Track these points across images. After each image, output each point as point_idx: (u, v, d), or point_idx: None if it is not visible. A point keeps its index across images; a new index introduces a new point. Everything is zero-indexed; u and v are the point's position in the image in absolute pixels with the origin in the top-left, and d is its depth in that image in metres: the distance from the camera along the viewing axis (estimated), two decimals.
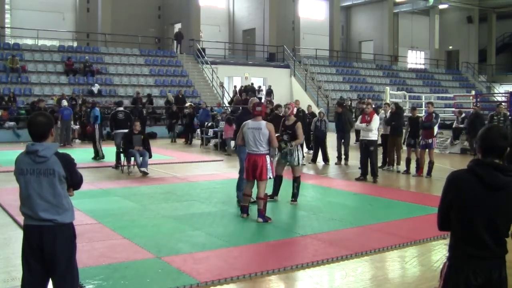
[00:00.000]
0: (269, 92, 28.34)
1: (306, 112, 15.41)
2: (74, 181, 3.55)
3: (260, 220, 7.25)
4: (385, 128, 12.77)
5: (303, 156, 14.04)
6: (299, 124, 8.44)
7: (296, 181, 8.60)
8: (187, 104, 22.06)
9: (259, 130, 7.21)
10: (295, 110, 8.94)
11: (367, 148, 11.03)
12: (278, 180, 8.69)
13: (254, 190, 7.55)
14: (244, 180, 7.76)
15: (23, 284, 3.53)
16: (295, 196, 8.64)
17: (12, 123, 20.22)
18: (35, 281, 3.49)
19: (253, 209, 8.11)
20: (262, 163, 7.22)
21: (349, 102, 22.61)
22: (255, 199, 8.20)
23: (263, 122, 7.30)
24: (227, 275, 5.05)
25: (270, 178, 7.37)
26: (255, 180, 7.39)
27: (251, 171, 7.31)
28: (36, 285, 3.51)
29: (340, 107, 14.41)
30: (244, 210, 7.59)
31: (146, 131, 14.50)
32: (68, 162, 3.49)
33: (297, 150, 8.46)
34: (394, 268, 5.78)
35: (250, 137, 7.28)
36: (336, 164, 13.85)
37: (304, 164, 13.70)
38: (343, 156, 13.92)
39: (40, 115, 3.57)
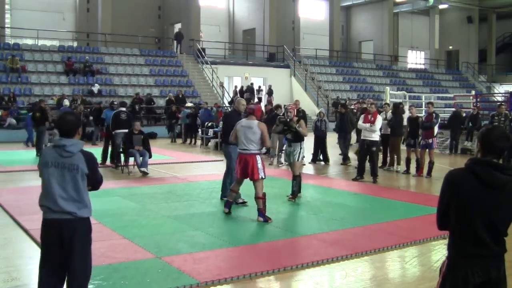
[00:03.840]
0: (270, 92, 28.43)
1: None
2: (94, 179, 3.71)
3: (261, 219, 7.27)
4: (385, 128, 12.74)
5: (303, 156, 14.03)
6: (301, 122, 8.77)
7: (296, 179, 8.77)
8: (188, 104, 22.06)
9: (251, 129, 7.29)
10: (295, 111, 9.20)
11: (369, 149, 10.96)
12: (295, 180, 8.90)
13: (252, 191, 7.55)
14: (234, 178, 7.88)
15: (40, 276, 3.65)
16: (293, 193, 8.77)
17: (13, 121, 20.29)
18: (53, 273, 3.61)
19: (253, 209, 8.12)
20: (252, 163, 7.26)
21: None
22: (244, 200, 8.32)
23: (255, 122, 7.36)
24: (227, 275, 5.05)
25: (262, 178, 7.37)
26: (244, 179, 7.49)
27: (241, 170, 7.38)
28: (53, 277, 3.63)
29: (343, 108, 14.44)
30: (226, 204, 7.68)
31: (146, 131, 14.42)
32: (91, 161, 3.66)
33: (300, 147, 8.71)
34: (394, 268, 5.78)
35: (241, 136, 7.37)
36: (341, 164, 13.85)
37: (304, 164, 13.74)
38: (339, 156, 13.97)
39: (69, 114, 3.82)
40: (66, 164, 3.56)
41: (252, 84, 28.33)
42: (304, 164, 13.66)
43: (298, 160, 8.77)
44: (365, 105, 15.07)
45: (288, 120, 8.85)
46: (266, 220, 7.27)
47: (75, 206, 3.57)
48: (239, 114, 8.45)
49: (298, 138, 8.72)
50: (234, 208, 8.04)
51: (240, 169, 7.41)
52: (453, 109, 19.70)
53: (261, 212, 7.31)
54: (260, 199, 7.33)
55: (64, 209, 3.55)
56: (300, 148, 8.74)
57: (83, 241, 3.63)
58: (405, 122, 12.73)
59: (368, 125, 10.89)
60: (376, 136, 10.98)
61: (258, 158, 7.34)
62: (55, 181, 3.57)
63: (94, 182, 3.75)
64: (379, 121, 10.98)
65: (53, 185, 3.57)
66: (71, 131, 3.64)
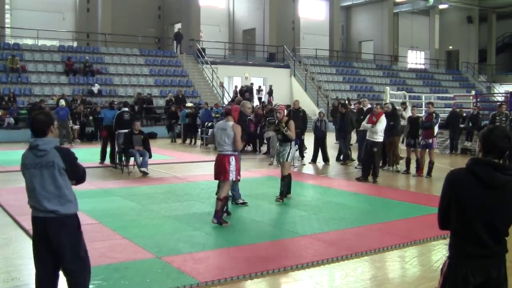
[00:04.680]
0: (270, 92, 28.43)
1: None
2: (75, 174, 3.75)
3: (215, 221, 7.05)
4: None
5: (303, 157, 13.96)
6: (290, 123, 8.59)
7: (284, 179, 8.60)
8: (188, 104, 22.05)
9: (225, 130, 7.11)
10: (285, 111, 9.07)
11: (371, 149, 10.98)
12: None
13: (249, 190, 7.54)
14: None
15: (37, 272, 3.74)
16: (281, 194, 8.61)
17: (12, 121, 20.28)
18: (46, 269, 3.70)
19: (253, 208, 8.11)
20: (225, 164, 7.08)
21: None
22: (244, 201, 8.30)
23: (230, 123, 7.14)
24: (227, 275, 5.04)
25: (234, 180, 7.20)
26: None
27: (216, 171, 7.23)
28: (47, 274, 3.71)
29: (343, 108, 14.45)
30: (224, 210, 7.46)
31: (146, 132, 14.39)
32: (66, 155, 3.68)
33: (290, 147, 8.61)
34: (394, 268, 5.77)
35: (217, 137, 7.22)
36: (342, 164, 13.84)
37: (304, 164, 13.76)
38: (336, 155, 13.97)
39: (40, 113, 3.83)
40: (43, 162, 3.63)
41: (252, 84, 28.30)
42: (304, 164, 13.69)
43: (287, 160, 8.65)
44: (361, 106, 15.13)
45: (276, 122, 8.77)
46: (221, 223, 7.04)
47: (57, 202, 3.62)
48: (245, 116, 8.48)
49: (288, 137, 8.62)
50: (235, 208, 8.04)
51: (215, 170, 7.25)
52: (464, 110, 19.70)
53: (217, 214, 7.08)
54: (220, 201, 7.10)
55: (47, 208, 3.62)
56: (290, 148, 8.65)
57: (72, 239, 3.68)
58: (405, 122, 12.75)
59: (369, 125, 11.00)
60: (379, 137, 10.99)
61: (232, 159, 7.11)
62: (36, 181, 3.64)
63: (77, 176, 3.78)
64: (382, 122, 10.99)
65: (35, 186, 3.64)
66: (43, 130, 3.69)
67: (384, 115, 11.23)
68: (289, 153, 8.62)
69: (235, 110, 7.40)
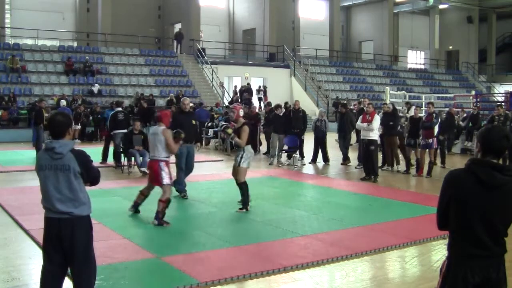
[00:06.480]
0: (264, 92, 28.37)
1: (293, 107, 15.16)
2: (90, 176, 3.73)
3: (155, 222, 7.00)
4: (382, 128, 12.70)
5: (303, 157, 13.93)
6: (245, 127, 7.89)
7: (240, 187, 7.93)
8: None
9: (156, 135, 7.22)
10: (241, 112, 8.15)
11: (367, 148, 11.08)
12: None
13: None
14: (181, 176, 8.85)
15: (43, 272, 3.72)
16: (244, 203, 7.94)
17: None
18: (54, 269, 3.68)
19: (255, 209, 8.11)
20: (156, 169, 7.13)
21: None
22: (185, 195, 8.76)
23: (161, 128, 7.26)
24: (227, 275, 5.05)
25: (166, 184, 7.11)
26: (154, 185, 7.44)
27: (149, 176, 7.44)
28: (54, 273, 3.70)
29: (343, 108, 14.47)
30: (134, 205, 7.59)
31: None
32: (83, 159, 3.66)
33: (242, 152, 7.86)
34: (394, 268, 5.78)
35: (150, 143, 7.36)
36: (342, 164, 13.84)
37: (304, 164, 13.76)
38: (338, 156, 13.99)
39: (59, 114, 3.78)
40: (59, 165, 3.59)
41: (248, 84, 28.20)
42: (304, 164, 13.68)
43: (240, 165, 7.80)
44: (362, 106, 15.13)
45: (223, 127, 8.59)
46: (162, 224, 6.97)
47: (71, 205, 3.61)
48: (183, 113, 8.77)
49: (237, 144, 7.97)
50: (235, 208, 8.04)
51: (148, 176, 7.51)
52: (464, 109, 19.68)
53: (158, 214, 7.02)
54: (161, 202, 7.04)
55: (60, 210, 3.60)
56: (243, 152, 7.82)
57: (83, 240, 3.66)
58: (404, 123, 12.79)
59: (365, 124, 11.15)
60: (374, 135, 11.15)
61: (162, 164, 7.12)
62: (50, 183, 3.61)
63: (91, 179, 3.76)
64: (377, 120, 11.18)
65: (49, 188, 3.61)
66: (61, 132, 3.64)
67: (376, 113, 11.46)
68: (242, 157, 7.79)
69: (165, 115, 7.48)
